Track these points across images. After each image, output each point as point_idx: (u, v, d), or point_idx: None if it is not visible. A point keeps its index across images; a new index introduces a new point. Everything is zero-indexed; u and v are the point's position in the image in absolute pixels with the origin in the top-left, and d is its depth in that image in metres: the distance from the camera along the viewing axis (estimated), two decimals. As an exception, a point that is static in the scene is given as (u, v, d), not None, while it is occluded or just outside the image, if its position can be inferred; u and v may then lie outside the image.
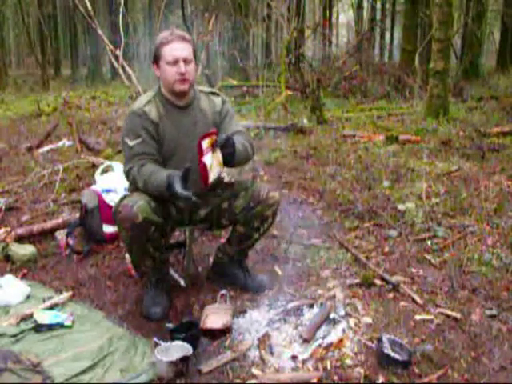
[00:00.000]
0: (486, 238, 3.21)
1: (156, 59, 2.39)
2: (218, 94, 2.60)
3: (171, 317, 2.41)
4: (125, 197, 2.35)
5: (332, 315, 2.28)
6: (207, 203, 2.52)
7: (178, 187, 2.09)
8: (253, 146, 2.57)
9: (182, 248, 2.83)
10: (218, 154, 2.26)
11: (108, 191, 3.24)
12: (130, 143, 2.34)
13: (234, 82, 10.61)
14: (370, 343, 2.13)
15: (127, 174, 2.36)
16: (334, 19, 23.63)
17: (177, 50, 2.32)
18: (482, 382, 1.95)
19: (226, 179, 2.73)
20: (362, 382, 1.93)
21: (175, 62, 2.32)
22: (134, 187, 2.49)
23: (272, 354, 2.07)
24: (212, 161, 2.22)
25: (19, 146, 6.36)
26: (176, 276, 2.73)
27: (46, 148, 6.15)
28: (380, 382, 1.93)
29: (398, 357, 1.99)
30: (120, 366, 2.03)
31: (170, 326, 2.20)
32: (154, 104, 2.41)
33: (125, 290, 2.71)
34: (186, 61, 2.33)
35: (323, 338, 2.14)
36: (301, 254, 3.10)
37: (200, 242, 3.27)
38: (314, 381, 1.92)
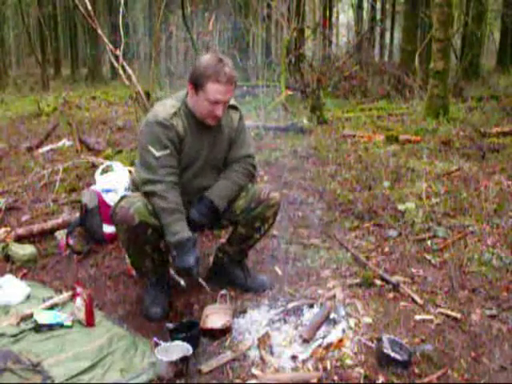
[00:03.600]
0: (486, 238, 3.21)
1: (196, 85, 2.26)
2: (237, 108, 2.53)
3: (171, 317, 2.41)
4: (122, 198, 2.35)
5: (332, 315, 2.28)
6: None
7: (188, 261, 2.22)
8: (250, 171, 2.54)
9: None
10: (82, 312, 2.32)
11: (108, 191, 3.24)
12: (157, 153, 2.25)
13: (234, 82, 10.56)
14: (370, 343, 2.13)
15: (147, 182, 2.26)
16: (334, 19, 23.60)
17: (222, 93, 2.23)
18: (482, 382, 1.95)
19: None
20: (361, 381, 1.93)
21: (215, 103, 2.25)
22: (135, 187, 2.49)
23: (272, 354, 2.07)
24: (80, 305, 2.32)
25: (19, 145, 6.37)
26: (176, 276, 2.73)
27: (45, 148, 6.16)
28: (380, 382, 1.93)
29: (398, 357, 1.99)
30: (120, 366, 2.03)
31: (170, 325, 2.20)
32: (180, 117, 2.34)
33: (125, 289, 2.71)
34: (225, 103, 2.28)
35: (323, 338, 2.14)
36: (301, 253, 3.09)
37: (200, 242, 3.27)
38: (314, 381, 1.92)
